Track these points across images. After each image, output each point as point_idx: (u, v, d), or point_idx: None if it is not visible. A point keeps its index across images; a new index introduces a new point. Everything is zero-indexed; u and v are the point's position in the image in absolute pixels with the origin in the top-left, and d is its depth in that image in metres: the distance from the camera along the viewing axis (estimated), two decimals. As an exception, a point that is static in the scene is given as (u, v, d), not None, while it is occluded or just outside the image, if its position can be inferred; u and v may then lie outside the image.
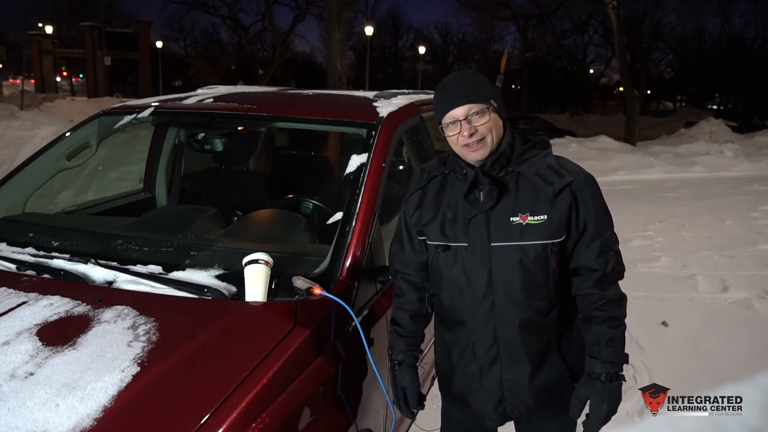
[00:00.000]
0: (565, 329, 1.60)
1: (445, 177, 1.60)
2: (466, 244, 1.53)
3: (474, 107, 1.48)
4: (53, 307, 1.54)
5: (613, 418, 3.03)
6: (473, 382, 1.62)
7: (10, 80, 44.36)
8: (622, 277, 1.59)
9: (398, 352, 1.70)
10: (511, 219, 1.49)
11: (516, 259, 1.50)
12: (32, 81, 24.03)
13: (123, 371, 1.31)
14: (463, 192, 1.52)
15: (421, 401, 1.73)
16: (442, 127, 1.54)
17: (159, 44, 41.98)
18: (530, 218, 1.48)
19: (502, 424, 1.68)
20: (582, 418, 1.62)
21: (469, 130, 1.48)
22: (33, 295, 1.60)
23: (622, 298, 1.59)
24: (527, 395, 1.59)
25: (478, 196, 1.52)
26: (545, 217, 1.48)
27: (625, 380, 1.58)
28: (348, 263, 1.75)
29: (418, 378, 1.72)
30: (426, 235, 1.60)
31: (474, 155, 1.50)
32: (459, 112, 1.49)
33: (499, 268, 1.51)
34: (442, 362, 1.70)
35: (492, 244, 1.50)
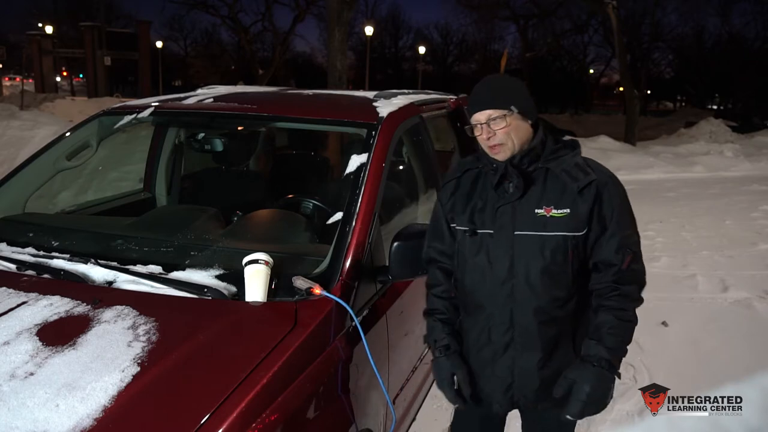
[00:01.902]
0: (580, 323, 1.66)
1: (480, 172, 1.70)
2: (492, 231, 1.62)
3: (493, 113, 1.58)
4: (53, 307, 1.54)
5: (613, 417, 3.04)
6: (486, 367, 1.69)
7: (7, 78, 44.29)
8: (640, 279, 1.63)
9: (443, 337, 1.73)
10: (536, 211, 1.59)
11: (537, 248, 1.58)
12: (27, 80, 23.96)
13: (123, 371, 1.31)
14: (494, 183, 1.62)
15: (476, 394, 1.74)
16: (471, 129, 1.65)
17: (159, 44, 41.98)
18: (554, 211, 1.58)
19: (509, 410, 1.76)
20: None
21: (488, 134, 1.59)
22: (33, 295, 1.60)
23: (637, 300, 1.62)
24: (535, 382, 1.65)
25: (507, 187, 1.61)
26: (568, 210, 1.57)
27: (619, 377, 1.62)
28: (348, 263, 1.74)
29: (465, 363, 1.72)
30: (456, 222, 1.70)
31: (495, 156, 1.62)
32: (481, 116, 1.60)
33: (520, 256, 1.59)
34: (470, 346, 1.73)
35: (516, 233, 1.60)
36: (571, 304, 1.62)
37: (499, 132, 1.58)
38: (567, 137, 1.68)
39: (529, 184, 1.60)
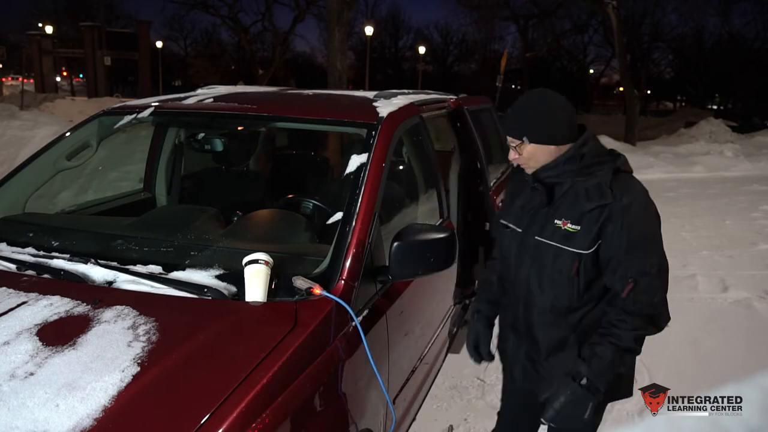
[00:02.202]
0: (589, 335, 1.70)
1: (523, 176, 1.83)
2: (520, 230, 1.78)
3: (512, 141, 1.74)
4: (53, 307, 1.54)
5: (613, 417, 3.04)
6: (509, 340, 1.91)
7: (9, 78, 44.29)
8: (645, 311, 1.64)
9: (479, 304, 2.00)
10: (555, 221, 1.69)
11: (550, 255, 1.69)
12: (24, 79, 23.95)
13: (123, 371, 1.31)
14: (533, 187, 1.76)
15: (491, 354, 1.97)
16: None
17: (159, 44, 41.97)
18: (569, 225, 1.66)
19: (523, 386, 1.91)
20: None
21: (514, 154, 1.76)
22: (33, 295, 1.60)
23: (638, 329, 1.64)
24: (538, 373, 1.82)
25: (536, 195, 1.74)
26: (579, 228, 1.64)
27: (595, 400, 1.63)
28: (348, 263, 1.74)
29: (491, 330, 1.98)
30: (501, 215, 1.90)
31: (528, 170, 1.77)
32: (508, 138, 1.76)
33: (535, 259, 1.73)
34: (501, 319, 1.98)
35: (536, 238, 1.72)
36: (575, 315, 1.71)
37: (523, 155, 1.73)
38: (610, 155, 1.74)
39: (551, 196, 1.71)
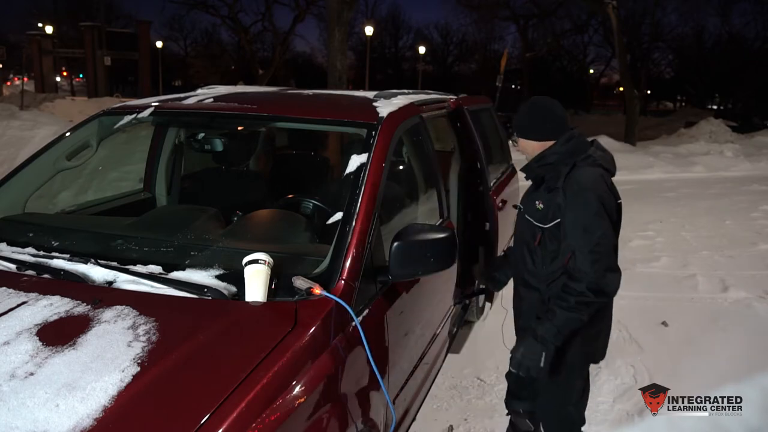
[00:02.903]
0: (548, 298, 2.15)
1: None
2: (521, 208, 2.30)
3: (515, 137, 2.26)
4: (53, 307, 1.54)
5: (613, 417, 3.04)
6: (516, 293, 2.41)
7: (15, 79, 44.27)
8: (585, 278, 1.99)
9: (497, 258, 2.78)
10: (535, 202, 2.17)
11: (528, 229, 2.20)
12: (23, 79, 23.93)
13: (123, 371, 1.31)
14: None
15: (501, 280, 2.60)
16: None
17: (159, 44, 41.97)
18: (539, 205, 2.15)
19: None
20: None
21: (519, 149, 2.29)
22: (33, 295, 1.60)
23: (580, 295, 1.99)
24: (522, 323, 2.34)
25: (532, 184, 2.27)
26: (542, 206, 2.13)
27: (546, 351, 2.03)
28: (348, 263, 1.74)
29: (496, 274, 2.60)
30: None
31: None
32: (515, 135, 2.27)
33: (523, 233, 2.26)
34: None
35: (525, 216, 2.24)
36: (542, 283, 2.17)
37: (523, 148, 2.25)
38: (587, 153, 2.14)
39: (537, 183, 2.22)
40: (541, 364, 2.01)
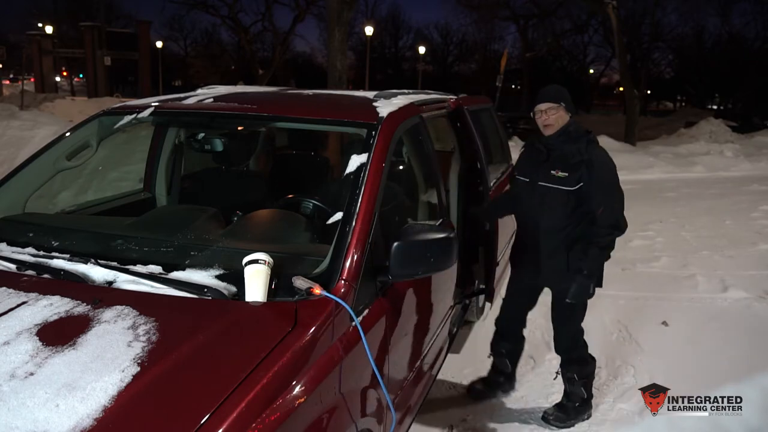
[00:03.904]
0: (572, 244, 2.67)
1: (532, 144, 2.83)
2: (527, 180, 2.78)
3: (546, 106, 2.66)
4: (53, 307, 1.54)
5: (613, 417, 3.05)
6: (524, 254, 2.93)
7: (19, 81, 44.22)
8: (612, 222, 2.60)
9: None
10: (551, 171, 2.65)
11: (549, 193, 2.66)
12: (30, 79, 23.91)
13: (123, 371, 1.31)
14: (538, 151, 2.74)
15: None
16: (534, 115, 2.73)
17: (159, 44, 41.96)
18: (560, 173, 2.63)
19: (527, 284, 2.97)
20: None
21: (545, 117, 2.66)
22: (33, 295, 1.60)
23: (607, 235, 2.62)
24: (541, 270, 2.80)
25: (540, 153, 2.72)
26: (567, 174, 2.62)
27: (594, 281, 2.66)
28: (348, 263, 1.74)
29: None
30: (516, 173, 2.92)
31: (545, 132, 2.70)
32: (543, 106, 2.67)
33: (540, 195, 2.70)
34: (513, 246, 3.05)
35: (539, 183, 2.70)
36: (564, 231, 2.67)
37: (551, 117, 2.65)
38: (586, 133, 2.70)
39: (551, 154, 2.67)
40: (591, 291, 2.65)
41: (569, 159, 2.59)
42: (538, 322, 3.69)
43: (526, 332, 3.16)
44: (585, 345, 2.92)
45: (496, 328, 3.14)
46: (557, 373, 3.07)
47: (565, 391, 2.95)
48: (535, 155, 2.73)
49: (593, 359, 2.96)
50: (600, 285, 2.76)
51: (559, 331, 2.90)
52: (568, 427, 2.86)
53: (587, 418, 2.91)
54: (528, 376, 3.34)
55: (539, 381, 3.30)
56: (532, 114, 2.71)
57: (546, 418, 2.89)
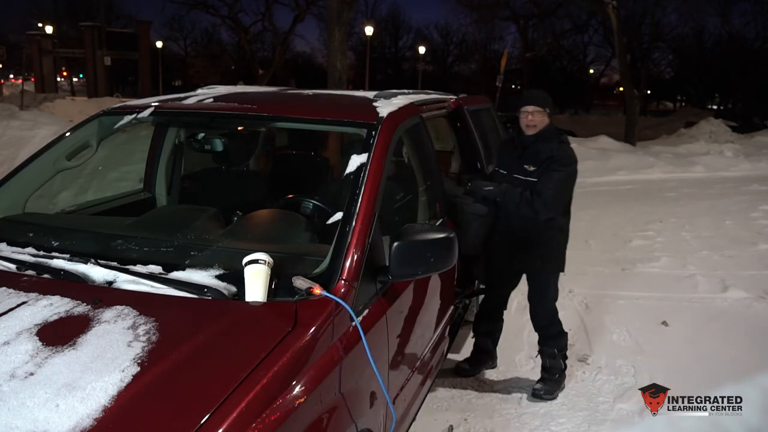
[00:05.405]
0: (541, 229, 2.98)
1: (512, 139, 3.11)
2: (505, 172, 3.03)
3: (531, 108, 2.92)
4: (53, 307, 1.54)
5: (613, 417, 3.05)
6: (496, 242, 3.15)
7: (16, 80, 44.26)
8: (536, 204, 2.86)
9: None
10: (524, 165, 2.93)
11: (520, 185, 2.91)
12: (31, 79, 23.90)
13: (123, 371, 1.31)
14: (515, 147, 3.04)
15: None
16: (519, 113, 2.96)
17: (159, 44, 41.94)
18: (530, 167, 2.91)
19: (503, 263, 3.22)
20: None
21: (530, 119, 2.92)
22: (33, 295, 1.60)
23: (527, 199, 2.87)
24: (511, 253, 3.12)
25: (517, 149, 3.00)
26: (535, 168, 2.90)
27: (497, 197, 2.97)
28: (348, 263, 1.74)
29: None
30: (497, 166, 3.15)
31: (527, 132, 2.96)
32: (529, 108, 2.93)
33: (513, 186, 2.93)
34: (495, 232, 3.12)
35: (514, 175, 2.96)
36: (534, 219, 2.90)
37: (536, 119, 2.91)
38: (563, 133, 3.00)
39: (527, 150, 2.95)
40: (483, 212, 2.97)
41: (540, 155, 2.88)
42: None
43: (505, 314, 3.45)
44: (560, 321, 3.21)
45: (480, 311, 3.43)
46: (538, 352, 3.26)
47: (544, 366, 3.20)
48: (512, 151, 3.03)
49: (566, 333, 3.24)
50: (561, 270, 3.12)
51: (535, 310, 3.19)
52: (555, 398, 3.12)
53: (563, 389, 3.20)
54: (529, 376, 3.34)
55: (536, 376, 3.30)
56: (517, 113, 2.94)
57: (536, 393, 3.14)
